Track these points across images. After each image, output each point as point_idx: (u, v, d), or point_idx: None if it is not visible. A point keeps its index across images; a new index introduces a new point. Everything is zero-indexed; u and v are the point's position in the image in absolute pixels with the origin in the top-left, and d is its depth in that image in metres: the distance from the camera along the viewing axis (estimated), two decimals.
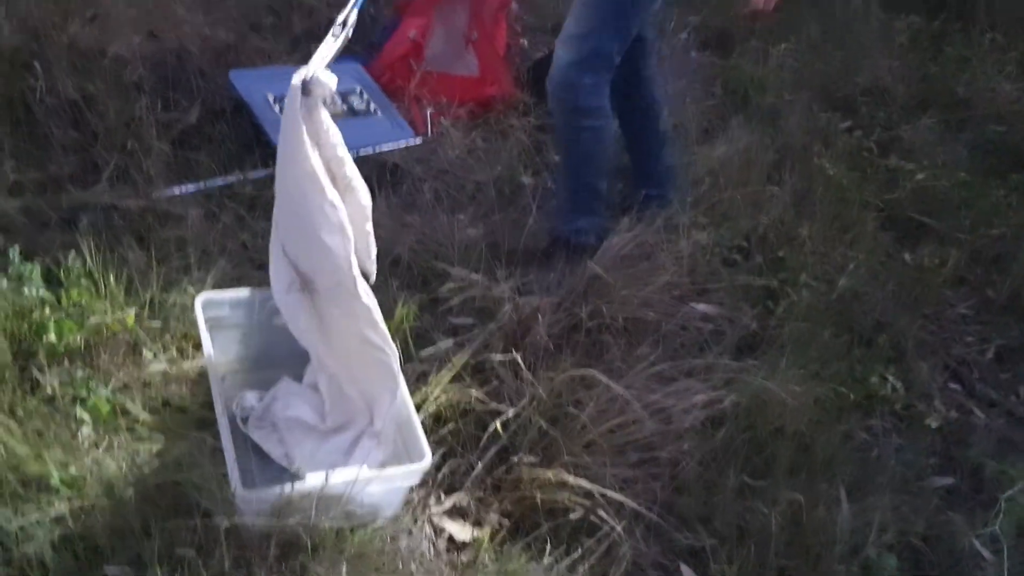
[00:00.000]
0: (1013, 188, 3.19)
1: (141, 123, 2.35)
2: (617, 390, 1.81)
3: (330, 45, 1.52)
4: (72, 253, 1.84)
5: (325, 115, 1.52)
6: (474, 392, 1.81)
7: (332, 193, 1.51)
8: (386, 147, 2.71)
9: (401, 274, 2.19)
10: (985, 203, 3.09)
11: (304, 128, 1.48)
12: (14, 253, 1.78)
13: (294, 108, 1.48)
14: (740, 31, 3.83)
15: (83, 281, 1.78)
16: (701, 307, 2.33)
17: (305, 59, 3.05)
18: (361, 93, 2.88)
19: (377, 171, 2.59)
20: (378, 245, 2.21)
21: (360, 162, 2.58)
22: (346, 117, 2.79)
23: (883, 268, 2.71)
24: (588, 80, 2.17)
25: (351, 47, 3.07)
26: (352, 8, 1.58)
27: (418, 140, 2.77)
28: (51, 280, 1.82)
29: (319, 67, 1.48)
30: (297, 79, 1.46)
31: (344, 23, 1.56)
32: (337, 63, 2.94)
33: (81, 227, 2.07)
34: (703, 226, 2.55)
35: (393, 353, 1.63)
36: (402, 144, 2.74)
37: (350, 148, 2.63)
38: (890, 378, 2.32)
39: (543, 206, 2.53)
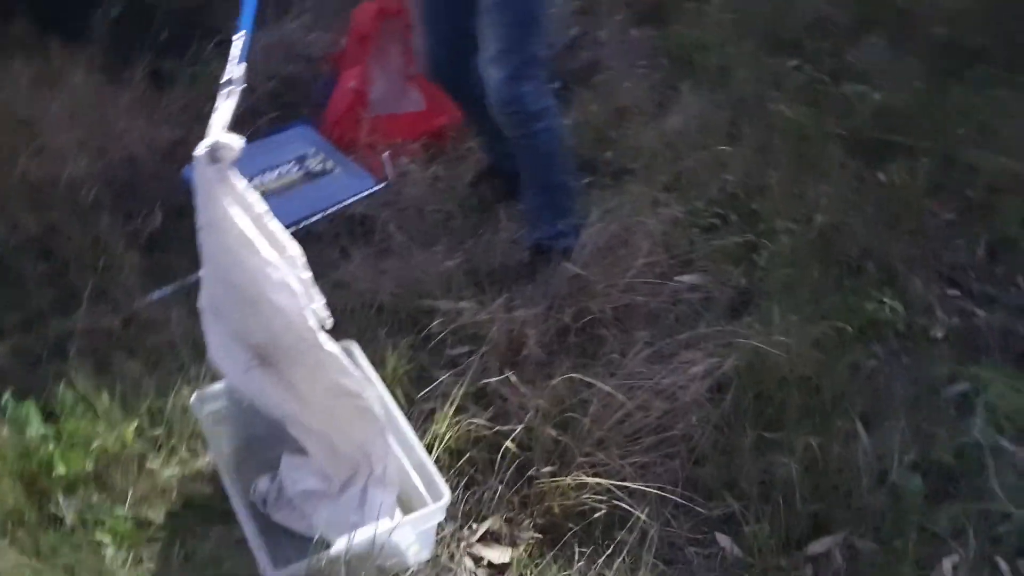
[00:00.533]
0: (970, 87, 3.19)
1: (107, 240, 2.39)
2: (605, 387, 1.82)
3: (225, 107, 1.50)
4: (62, 384, 1.88)
5: (239, 177, 1.50)
6: (477, 420, 1.83)
7: (268, 252, 1.50)
8: (351, 200, 2.74)
9: (387, 321, 2.22)
10: (945, 107, 3.10)
11: (223, 196, 1.46)
12: (6, 398, 1.82)
13: (206, 178, 1.45)
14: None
15: (79, 408, 1.82)
16: (686, 278, 2.36)
17: (252, 138, 3.10)
18: (316, 154, 2.92)
19: (347, 225, 2.62)
20: (358, 297, 2.27)
21: (329, 220, 2.67)
22: (306, 181, 2.83)
23: (858, 195, 2.72)
24: (528, 87, 2.20)
25: (297, 111, 3.17)
26: (234, 65, 1.55)
27: (380, 186, 2.80)
28: (51, 413, 1.86)
29: (220, 131, 1.46)
30: (201, 149, 1.44)
31: (231, 80, 1.53)
32: (285, 132, 3.02)
33: (71, 355, 2.10)
34: (666, 203, 2.57)
35: (371, 396, 1.62)
36: (366, 193, 2.77)
37: (317, 210, 2.74)
38: (887, 300, 2.33)
39: (513, 218, 2.56)
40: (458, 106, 2.60)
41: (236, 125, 3.01)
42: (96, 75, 3.04)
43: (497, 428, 1.83)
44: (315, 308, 1.59)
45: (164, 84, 3.14)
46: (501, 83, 2.17)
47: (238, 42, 1.59)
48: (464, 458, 1.84)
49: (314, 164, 2.88)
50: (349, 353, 1.88)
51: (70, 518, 1.63)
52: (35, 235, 2.38)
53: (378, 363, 1.96)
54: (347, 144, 2.98)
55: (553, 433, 1.80)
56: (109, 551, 1.59)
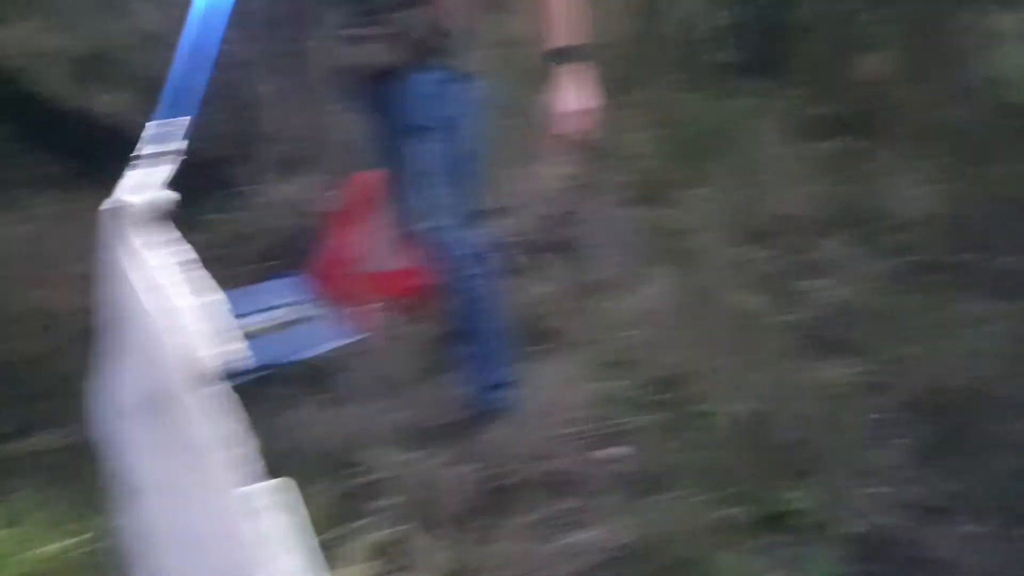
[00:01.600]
0: (925, 291, 3.38)
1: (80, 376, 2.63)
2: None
3: (130, 175, 1.63)
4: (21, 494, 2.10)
5: (139, 235, 1.60)
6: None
7: (150, 304, 1.58)
8: (323, 349, 2.98)
9: (328, 466, 2.40)
10: (900, 311, 3.29)
11: (119, 251, 1.58)
12: None
13: (107, 235, 1.57)
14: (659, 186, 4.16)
15: (34, 515, 2.04)
16: (612, 451, 2.53)
17: (250, 283, 3.33)
18: (301, 303, 3.18)
19: (313, 371, 2.85)
20: (303, 442, 2.47)
21: (301, 367, 2.90)
22: (286, 328, 3.09)
23: (798, 387, 2.89)
24: (455, 235, 2.51)
25: (296, 262, 3.47)
26: (145, 144, 1.68)
27: (354, 338, 3.04)
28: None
29: (124, 193, 1.59)
30: (105, 205, 1.58)
31: (140, 156, 1.66)
32: (276, 281, 3.29)
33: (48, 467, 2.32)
34: (608, 378, 2.77)
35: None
36: (339, 344, 3.01)
37: (292, 356, 2.97)
38: (799, 493, 2.47)
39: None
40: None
41: (238, 268, 3.34)
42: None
43: None
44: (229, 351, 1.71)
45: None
46: (432, 233, 2.50)
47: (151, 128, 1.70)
48: None
49: (297, 312, 3.14)
50: (287, 490, 2.08)
51: None
52: (41, 354, 2.64)
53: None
54: (334, 296, 3.26)
55: None
56: None
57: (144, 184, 1.66)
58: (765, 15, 4.98)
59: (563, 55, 2.39)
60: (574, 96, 2.39)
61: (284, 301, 3.20)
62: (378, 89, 2.45)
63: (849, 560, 2.30)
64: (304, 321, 3.15)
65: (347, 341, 3.03)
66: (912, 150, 4.35)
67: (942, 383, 2.91)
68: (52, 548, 2.02)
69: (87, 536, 2.09)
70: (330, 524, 2.20)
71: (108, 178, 3.55)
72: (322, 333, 3.09)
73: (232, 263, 3.43)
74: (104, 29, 4.49)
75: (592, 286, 3.38)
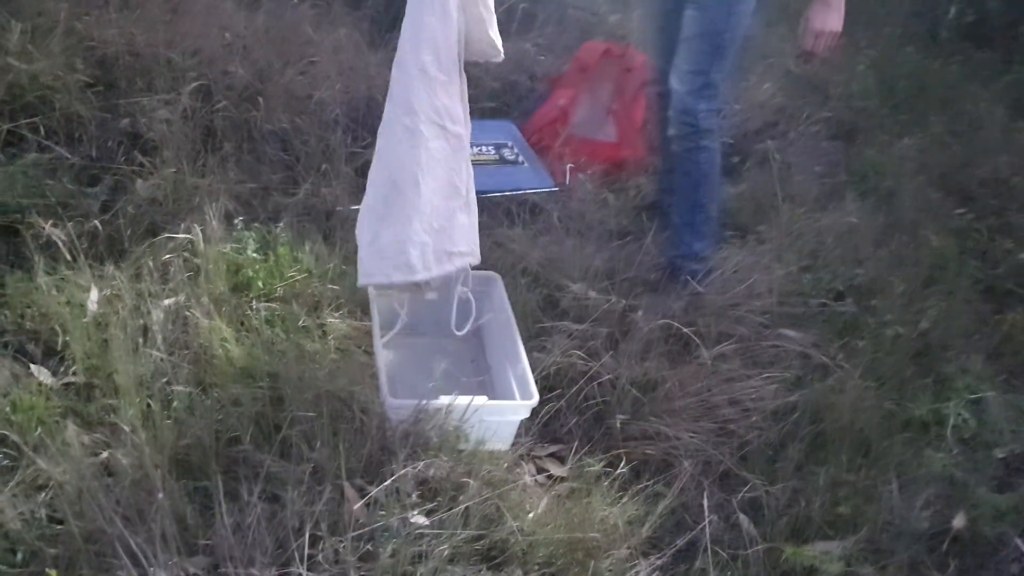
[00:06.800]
0: None
1: (334, 152, 2.91)
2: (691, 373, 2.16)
3: None
4: (279, 226, 2.38)
5: None
6: (577, 355, 2.20)
7: None
8: (529, 190, 3.18)
9: (529, 283, 2.62)
10: None
11: None
12: (238, 221, 2.34)
13: None
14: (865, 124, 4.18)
15: (282, 249, 2.31)
16: (790, 332, 2.66)
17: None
18: (512, 147, 3.39)
19: (519, 206, 3.06)
20: (510, 259, 2.68)
21: (506, 199, 3.11)
22: (498, 164, 3.30)
23: (974, 328, 2.95)
24: (703, 106, 2.57)
25: (507, 111, 3.67)
26: None
27: (556, 188, 3.24)
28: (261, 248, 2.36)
29: None
30: None
31: None
32: (493, 122, 3.51)
33: (281, 223, 2.61)
34: (806, 268, 2.88)
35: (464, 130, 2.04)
36: (543, 190, 3.21)
37: (499, 188, 3.19)
38: (963, 412, 2.56)
39: (658, 243, 2.93)
40: (660, 125, 2.95)
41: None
42: (357, 34, 3.65)
43: (592, 369, 2.19)
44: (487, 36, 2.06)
45: None
46: (682, 96, 2.57)
47: None
48: (556, 392, 2.21)
49: (508, 154, 3.36)
50: (491, 281, 2.30)
51: (258, 317, 2.11)
52: (283, 129, 2.92)
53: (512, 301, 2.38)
54: (541, 150, 3.45)
55: (634, 391, 2.15)
56: (280, 344, 2.05)
57: None
58: None
59: None
60: (836, 17, 2.48)
61: (497, 141, 3.41)
62: None
63: (997, 476, 2.39)
64: (511, 164, 3.35)
65: (548, 189, 3.22)
66: None
67: None
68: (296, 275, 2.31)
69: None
70: (526, 323, 2.42)
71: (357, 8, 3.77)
72: (526, 177, 3.29)
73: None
74: None
75: (789, 197, 3.47)
